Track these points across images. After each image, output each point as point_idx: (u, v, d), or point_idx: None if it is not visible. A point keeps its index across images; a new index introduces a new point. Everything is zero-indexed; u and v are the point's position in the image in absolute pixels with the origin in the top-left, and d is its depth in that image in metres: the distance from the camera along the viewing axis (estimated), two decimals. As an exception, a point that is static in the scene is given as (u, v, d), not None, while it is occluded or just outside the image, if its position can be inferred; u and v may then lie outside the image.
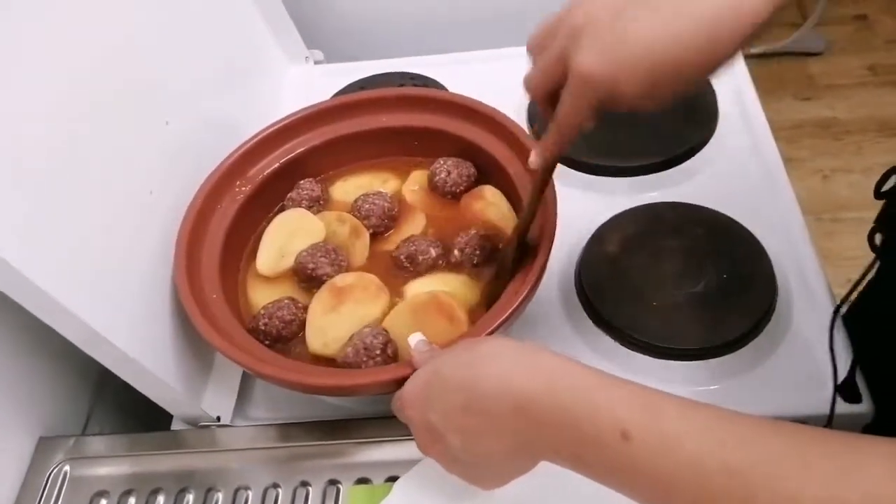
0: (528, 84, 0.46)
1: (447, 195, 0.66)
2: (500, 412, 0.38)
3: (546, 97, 0.46)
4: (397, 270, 0.61)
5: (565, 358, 0.39)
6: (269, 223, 0.66)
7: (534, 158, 0.49)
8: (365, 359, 0.53)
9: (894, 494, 0.28)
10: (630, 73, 0.40)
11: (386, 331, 0.55)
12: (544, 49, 0.44)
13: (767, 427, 0.33)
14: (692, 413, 0.34)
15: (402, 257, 0.61)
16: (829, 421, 0.55)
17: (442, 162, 0.66)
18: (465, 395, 0.40)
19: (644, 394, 0.36)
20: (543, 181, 0.53)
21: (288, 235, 0.64)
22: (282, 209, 0.67)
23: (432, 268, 0.61)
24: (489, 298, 0.57)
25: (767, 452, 0.31)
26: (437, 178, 0.66)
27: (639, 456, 0.34)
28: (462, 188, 0.66)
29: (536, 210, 0.55)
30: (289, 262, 0.62)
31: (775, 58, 1.94)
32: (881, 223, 0.56)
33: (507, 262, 0.56)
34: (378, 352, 0.53)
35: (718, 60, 0.40)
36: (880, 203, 0.58)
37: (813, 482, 0.30)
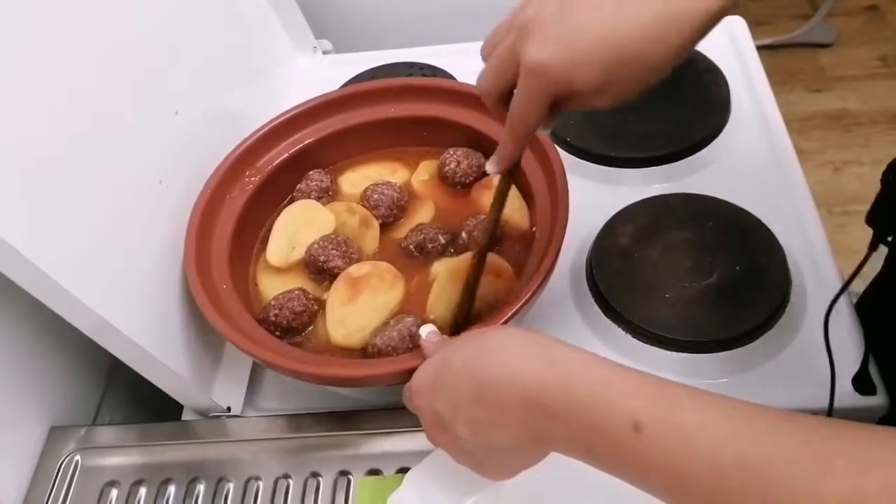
0: (481, 84, 0.45)
1: (457, 185, 0.66)
2: (510, 403, 0.38)
3: (499, 97, 0.45)
4: (407, 259, 0.61)
5: (576, 348, 0.39)
6: (278, 214, 0.65)
7: (490, 165, 0.48)
8: (410, 346, 0.53)
9: None
10: (584, 63, 0.39)
11: (435, 322, 0.55)
12: (496, 48, 0.44)
13: (783, 419, 0.32)
14: (707, 404, 0.34)
15: (411, 246, 0.61)
16: (829, 414, 0.55)
17: (451, 152, 0.66)
18: (474, 386, 0.40)
19: (657, 384, 0.36)
20: (504, 189, 0.51)
21: (298, 227, 0.64)
22: (291, 200, 0.67)
23: (441, 255, 0.61)
24: (456, 320, 0.54)
25: (785, 445, 0.31)
26: (447, 168, 0.65)
27: (652, 448, 0.34)
28: (472, 178, 0.65)
29: (498, 221, 0.52)
30: (299, 253, 0.62)
31: (786, 49, 1.92)
32: (878, 208, 0.55)
33: (471, 278, 0.53)
34: None
35: (671, 53, 0.40)
36: None
37: (832, 475, 0.29)
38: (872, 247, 0.55)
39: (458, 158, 0.65)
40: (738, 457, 0.31)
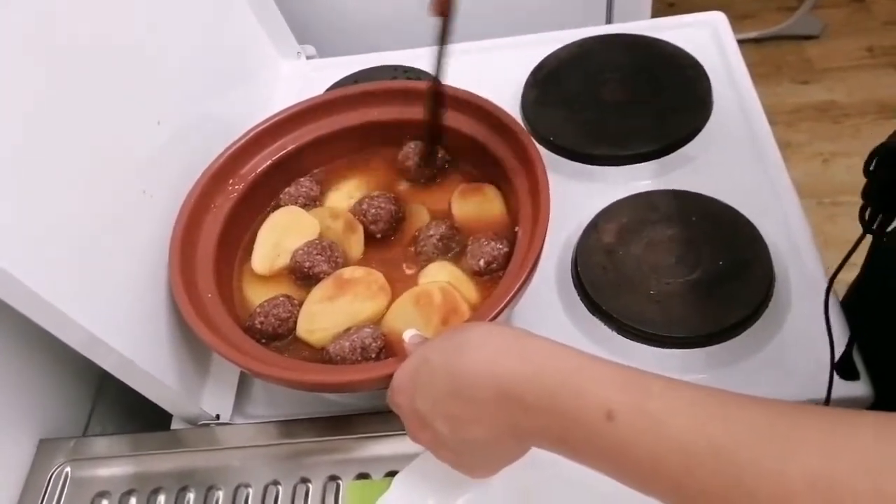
0: None
1: (420, 179, 0.66)
2: (486, 397, 0.38)
3: None
4: (399, 271, 0.61)
5: (551, 341, 0.39)
6: (263, 221, 0.65)
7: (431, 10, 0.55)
8: (360, 358, 0.54)
9: (880, 465, 0.28)
10: None
11: (384, 336, 0.56)
12: None
13: (752, 403, 0.33)
14: (677, 392, 0.34)
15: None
16: (827, 402, 0.55)
17: (412, 146, 0.66)
18: (451, 381, 0.40)
19: (629, 373, 0.36)
20: (443, 37, 0.58)
21: (282, 233, 0.64)
22: (276, 206, 0.67)
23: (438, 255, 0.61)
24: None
25: (753, 429, 0.31)
26: (409, 162, 0.66)
27: (624, 436, 0.34)
28: (435, 171, 0.66)
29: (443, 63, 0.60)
30: (284, 260, 0.62)
31: (772, 42, 1.93)
32: (867, 197, 0.55)
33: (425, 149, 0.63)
34: (373, 355, 0.54)
35: None
36: None
37: (799, 456, 0.30)
38: (865, 233, 0.55)
39: (419, 152, 0.66)
40: (708, 440, 0.32)
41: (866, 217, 0.55)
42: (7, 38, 0.47)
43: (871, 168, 0.54)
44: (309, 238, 0.62)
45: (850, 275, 0.61)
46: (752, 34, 1.89)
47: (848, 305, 0.62)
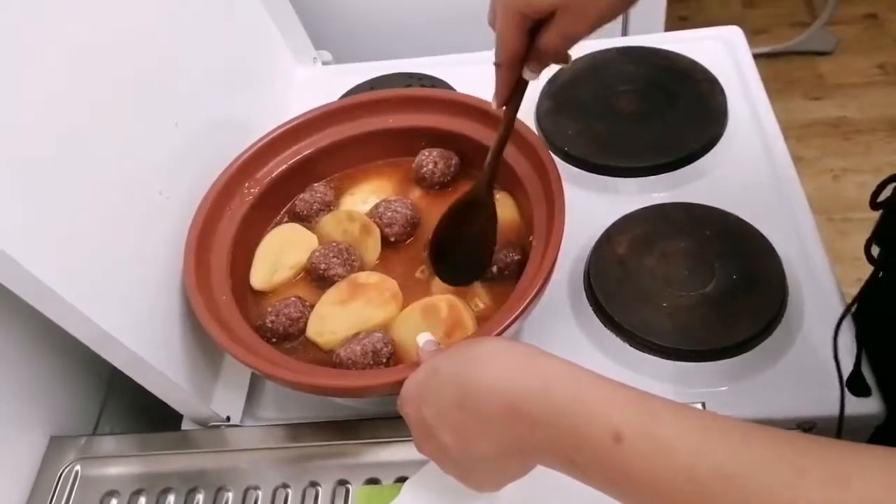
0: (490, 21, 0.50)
1: (435, 186, 0.67)
2: (493, 412, 0.38)
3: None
4: (413, 279, 0.61)
5: (561, 360, 0.39)
6: (272, 228, 0.66)
7: (493, 101, 0.53)
8: (371, 363, 0.54)
9: (886, 498, 0.28)
10: None
11: (394, 342, 0.56)
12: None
13: (763, 433, 0.33)
14: (687, 418, 0.34)
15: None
16: (840, 421, 0.55)
17: (427, 154, 0.67)
18: (459, 394, 0.40)
19: (639, 397, 0.36)
20: (509, 117, 0.55)
21: (280, 251, 0.64)
22: (291, 210, 0.67)
23: None
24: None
25: (762, 459, 0.31)
26: (425, 169, 0.66)
27: (631, 459, 0.34)
28: (449, 178, 0.66)
29: (504, 144, 0.56)
30: (282, 275, 0.62)
31: (784, 57, 1.93)
32: (878, 236, 0.55)
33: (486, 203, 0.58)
34: (384, 360, 0.54)
35: None
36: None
37: (807, 489, 0.29)
38: (879, 267, 0.55)
39: (434, 159, 0.66)
40: (717, 468, 0.31)
41: (873, 254, 0.55)
42: (29, 44, 0.47)
43: (883, 214, 0.54)
44: (308, 252, 0.63)
45: (856, 289, 0.61)
46: (765, 49, 1.89)
47: (859, 318, 0.62)
